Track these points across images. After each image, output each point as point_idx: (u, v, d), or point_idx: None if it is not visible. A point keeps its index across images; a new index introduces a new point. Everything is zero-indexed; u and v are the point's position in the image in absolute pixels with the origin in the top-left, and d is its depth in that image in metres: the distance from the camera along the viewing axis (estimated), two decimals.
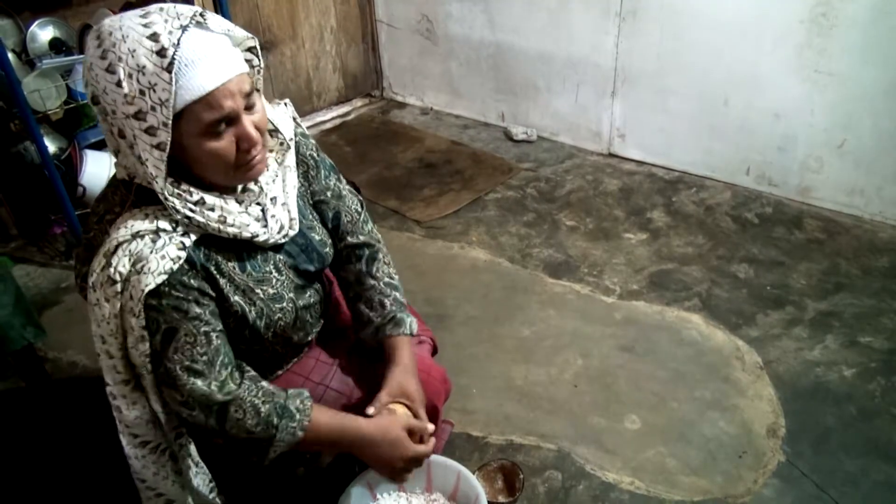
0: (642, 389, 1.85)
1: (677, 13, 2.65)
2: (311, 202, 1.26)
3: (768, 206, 2.65)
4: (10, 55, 2.19)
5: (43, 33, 2.44)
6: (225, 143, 0.98)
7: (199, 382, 1.03)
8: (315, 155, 1.26)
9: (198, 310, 1.02)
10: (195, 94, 0.92)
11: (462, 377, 1.88)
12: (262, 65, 1.07)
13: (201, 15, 0.95)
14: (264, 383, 1.11)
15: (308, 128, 3.55)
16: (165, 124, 0.91)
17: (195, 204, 1.01)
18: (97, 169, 2.45)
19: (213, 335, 1.04)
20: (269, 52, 3.33)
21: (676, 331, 2.06)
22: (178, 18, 0.93)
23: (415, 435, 1.19)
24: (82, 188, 2.43)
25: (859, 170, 2.49)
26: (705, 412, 1.77)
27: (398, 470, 1.19)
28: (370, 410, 1.18)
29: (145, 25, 0.91)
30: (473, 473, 1.35)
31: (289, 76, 3.48)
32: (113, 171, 2.39)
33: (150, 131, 0.92)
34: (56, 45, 2.44)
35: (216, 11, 2.60)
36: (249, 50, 1.04)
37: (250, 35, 1.03)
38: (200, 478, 1.21)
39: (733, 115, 2.69)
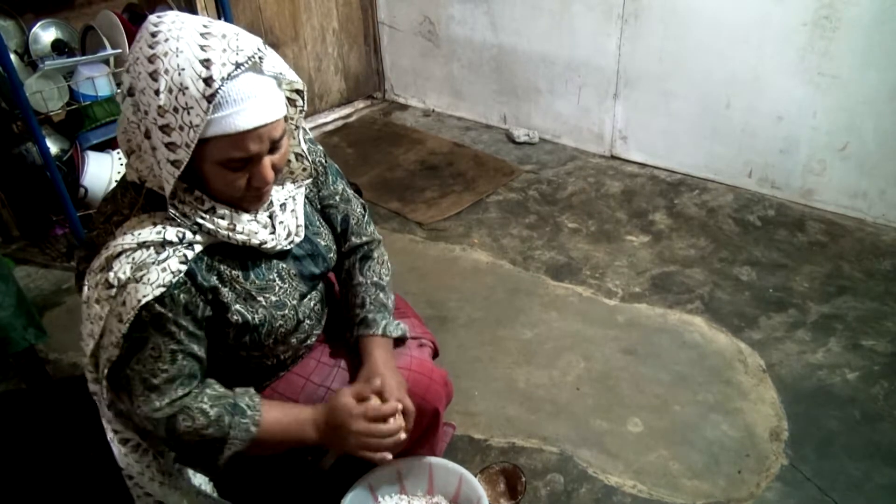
0: (644, 392, 1.85)
1: (679, 15, 2.65)
2: (318, 207, 1.27)
3: (771, 209, 2.65)
4: (13, 56, 2.18)
5: (45, 34, 2.44)
6: (237, 176, 0.99)
7: (151, 396, 1.03)
8: (323, 161, 1.27)
9: (173, 328, 1.02)
10: (226, 131, 0.92)
11: (464, 380, 1.88)
12: (304, 106, 1.08)
13: (260, 58, 0.94)
14: (211, 389, 1.10)
15: (309, 130, 3.54)
16: (188, 146, 0.91)
17: (206, 212, 1.01)
18: (99, 170, 2.45)
19: (180, 356, 1.04)
20: None
21: (679, 333, 2.05)
22: (237, 54, 0.91)
23: (366, 401, 1.13)
24: (84, 189, 2.43)
25: (862, 172, 2.48)
26: (708, 415, 1.76)
27: (353, 433, 1.11)
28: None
29: (202, 48, 0.90)
30: (475, 476, 1.35)
31: None
32: (115, 173, 2.39)
33: (170, 147, 0.92)
34: (58, 47, 2.44)
35: (219, 14, 2.60)
36: (297, 91, 1.05)
37: (300, 81, 1.03)
38: (200, 476, 1.21)
39: (735, 117, 2.68)
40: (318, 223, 1.25)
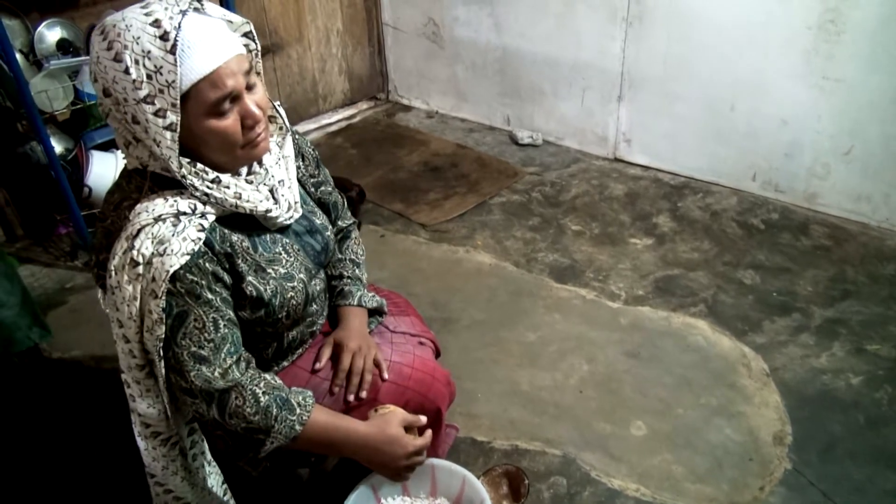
0: (648, 395, 1.84)
1: (684, 18, 2.64)
2: (311, 192, 1.32)
3: (774, 213, 2.64)
4: (18, 56, 2.19)
5: (50, 34, 2.44)
6: (230, 122, 1.02)
7: (203, 369, 1.04)
8: (308, 148, 1.34)
9: (209, 295, 1.04)
10: (199, 74, 0.96)
11: (467, 381, 1.88)
12: (259, 48, 1.11)
13: (199, 1, 1.00)
14: (268, 376, 1.12)
15: (313, 130, 3.56)
16: (174, 105, 0.95)
17: (212, 182, 1.04)
18: (103, 170, 2.46)
19: (221, 323, 1.06)
20: (275, 54, 3.33)
21: (682, 337, 2.05)
22: (178, 4, 0.97)
23: (412, 429, 1.21)
24: (88, 189, 2.44)
25: (866, 176, 2.48)
26: (711, 419, 1.76)
27: (401, 468, 1.19)
28: (316, 365, 1.26)
29: (147, 14, 0.95)
30: (478, 478, 1.34)
31: (295, 79, 3.49)
32: (119, 172, 2.40)
33: (159, 114, 0.95)
34: (63, 46, 2.44)
35: None
36: (246, 35, 1.09)
37: (245, 20, 1.08)
38: (214, 478, 1.22)
39: (740, 120, 2.68)
40: (311, 203, 1.30)
